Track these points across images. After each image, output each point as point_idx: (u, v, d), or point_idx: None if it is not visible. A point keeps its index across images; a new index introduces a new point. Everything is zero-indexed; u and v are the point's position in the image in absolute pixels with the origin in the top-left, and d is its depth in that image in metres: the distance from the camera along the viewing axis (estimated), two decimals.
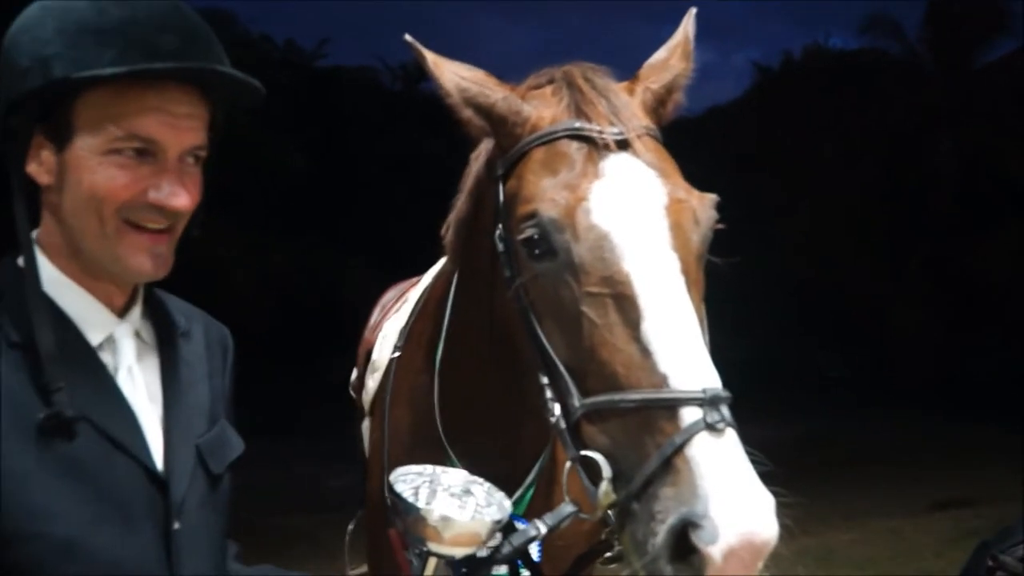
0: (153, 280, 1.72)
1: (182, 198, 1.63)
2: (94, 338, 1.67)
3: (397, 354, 2.81)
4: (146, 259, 1.65)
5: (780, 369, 20.07)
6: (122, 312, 1.72)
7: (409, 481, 1.82)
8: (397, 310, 3.21)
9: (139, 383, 1.71)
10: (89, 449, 1.57)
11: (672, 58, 2.16)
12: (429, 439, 2.46)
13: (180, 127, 1.62)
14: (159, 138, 1.60)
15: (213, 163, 1.77)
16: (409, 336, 2.79)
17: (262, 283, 20.36)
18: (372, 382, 3.01)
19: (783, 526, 1.60)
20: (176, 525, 1.66)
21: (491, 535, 1.76)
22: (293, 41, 31.62)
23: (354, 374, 3.52)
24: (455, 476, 1.88)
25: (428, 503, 1.77)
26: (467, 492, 1.85)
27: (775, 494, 1.60)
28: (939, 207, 23.55)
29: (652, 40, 2.25)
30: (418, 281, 3.23)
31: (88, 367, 1.64)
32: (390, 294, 3.74)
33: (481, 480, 1.88)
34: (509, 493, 2.36)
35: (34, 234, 1.68)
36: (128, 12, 1.60)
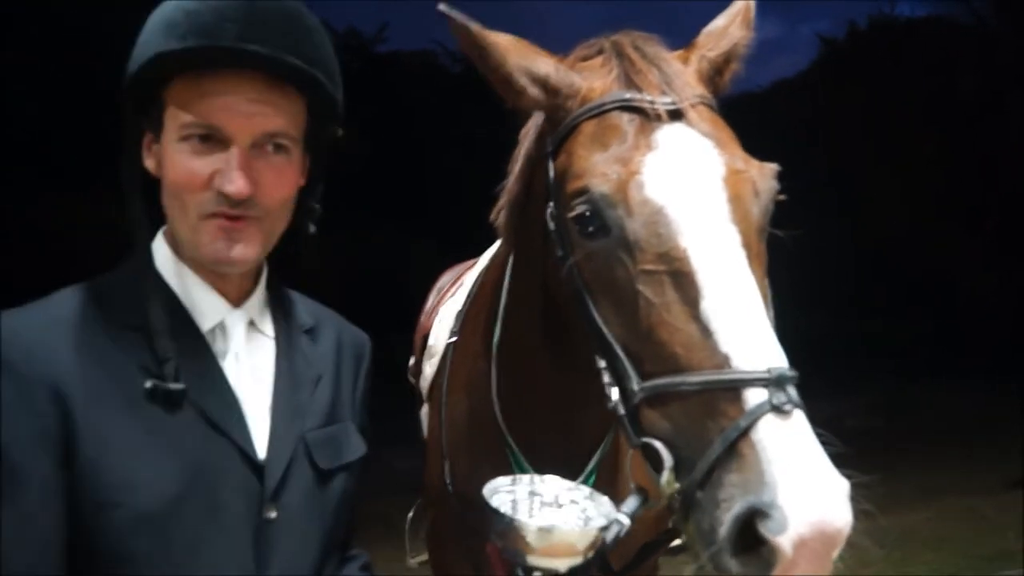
0: (238, 268, 1.74)
1: (237, 184, 1.62)
2: (205, 324, 1.73)
3: (454, 339, 2.77)
4: (223, 245, 1.67)
5: (847, 342, 19.73)
6: (238, 301, 1.78)
7: (505, 492, 1.74)
8: (453, 294, 3.17)
9: (245, 369, 1.75)
10: (188, 428, 1.61)
11: (731, 25, 2.06)
12: (487, 426, 2.41)
13: (246, 112, 1.64)
14: (220, 123, 1.63)
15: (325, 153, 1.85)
16: (465, 320, 2.74)
17: (324, 265, 20.59)
18: (429, 368, 2.97)
19: (861, 511, 1.52)
20: (272, 514, 1.66)
21: (596, 543, 1.66)
22: (353, 27, 31.73)
23: (411, 360, 3.49)
24: (555, 485, 1.80)
25: (529, 515, 1.69)
26: (570, 500, 1.77)
27: (849, 477, 1.51)
28: (1011, 172, 22.95)
29: (718, 12, 2.15)
30: (474, 264, 3.19)
31: (194, 349, 1.69)
32: (446, 278, 3.69)
33: (583, 487, 1.80)
34: (570, 479, 2.31)
35: (162, 228, 1.79)
36: (202, 6, 1.64)
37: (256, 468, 1.67)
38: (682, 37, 2.07)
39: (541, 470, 2.07)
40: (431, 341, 3.05)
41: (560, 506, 1.75)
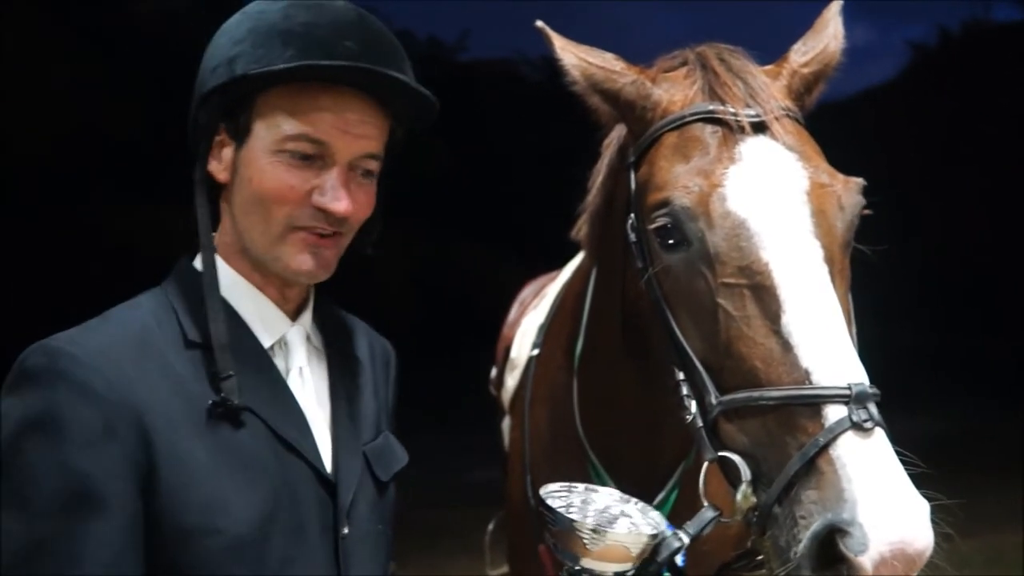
0: (313, 281, 1.73)
1: (344, 203, 1.63)
2: (267, 339, 1.70)
3: (536, 351, 2.78)
4: (307, 258, 1.66)
5: (939, 358, 19.27)
6: (294, 315, 1.75)
7: (560, 497, 1.76)
8: (536, 306, 3.18)
9: (309, 385, 1.74)
10: (262, 448, 1.60)
11: (828, 45, 2.04)
12: (569, 439, 2.41)
13: (351, 132, 1.63)
14: (329, 140, 1.61)
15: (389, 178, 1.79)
16: (548, 333, 2.75)
17: (406, 276, 20.78)
18: (511, 380, 2.99)
19: (941, 533, 1.50)
20: (345, 530, 1.67)
21: (645, 552, 1.68)
22: (434, 36, 32.10)
23: (493, 371, 3.52)
24: (607, 495, 1.82)
25: (581, 516, 1.71)
26: (621, 511, 1.79)
27: (930, 498, 1.50)
28: None
29: (807, 21, 2.14)
30: (557, 276, 3.20)
31: (260, 367, 1.66)
32: (528, 290, 3.71)
33: (634, 499, 1.82)
34: (652, 494, 2.31)
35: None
36: (314, 17, 1.64)
37: (327, 484, 1.67)
38: (772, 42, 2.07)
39: (622, 484, 2.08)
40: (513, 353, 3.06)
41: (612, 516, 1.76)
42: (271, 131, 1.61)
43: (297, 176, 1.61)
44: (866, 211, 1.81)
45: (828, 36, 2.06)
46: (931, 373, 16.66)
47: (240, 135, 1.64)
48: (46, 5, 15.62)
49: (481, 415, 3.93)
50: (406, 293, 20.69)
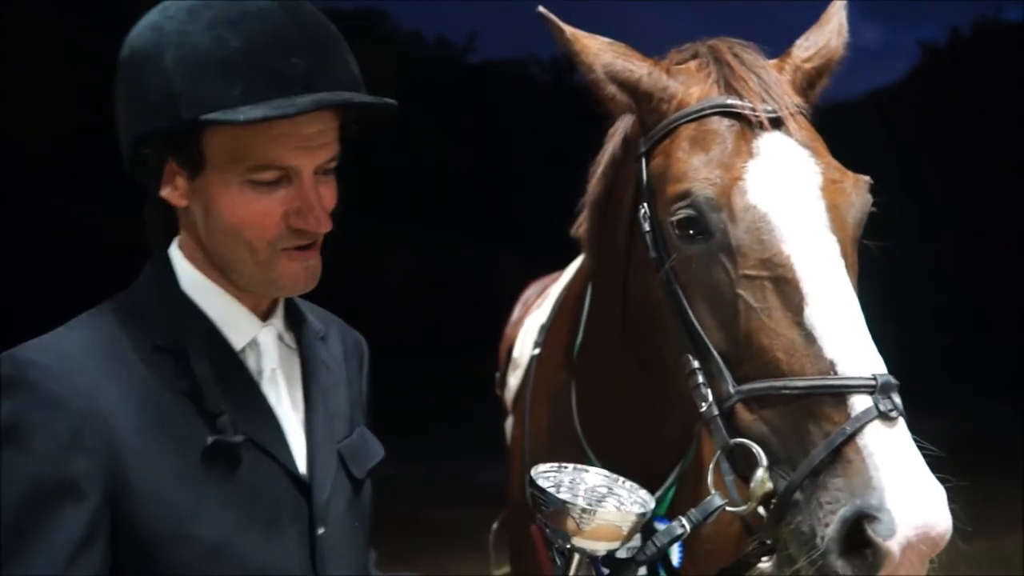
0: (307, 291, 1.71)
1: (324, 222, 1.61)
2: (238, 341, 1.67)
3: (537, 351, 2.78)
4: (299, 276, 1.65)
5: (947, 358, 19.24)
6: (266, 315, 1.73)
7: (551, 477, 1.79)
8: (538, 306, 3.17)
9: (282, 387, 1.72)
10: (234, 452, 1.58)
11: (831, 40, 2.05)
12: (568, 439, 2.41)
13: (312, 147, 1.59)
14: (294, 163, 1.58)
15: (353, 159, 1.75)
16: (549, 332, 2.76)
17: (413, 276, 20.82)
18: (513, 380, 2.99)
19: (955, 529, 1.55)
20: (320, 530, 1.67)
21: (634, 530, 1.70)
22: (443, 37, 32.14)
23: (498, 372, 3.50)
24: (596, 475, 1.84)
25: (571, 496, 1.73)
26: (609, 489, 1.81)
27: (943, 483, 1.55)
28: None
29: (810, 19, 2.15)
30: (559, 276, 3.19)
31: (231, 372, 1.64)
32: (531, 290, 3.70)
33: (623, 479, 1.83)
34: (650, 491, 2.30)
35: (175, 242, 1.70)
36: (246, 36, 1.54)
37: (301, 486, 1.67)
38: (771, 41, 2.07)
39: None
40: (515, 353, 3.06)
41: (602, 495, 1.78)
42: (233, 165, 1.56)
43: (269, 200, 1.58)
44: (873, 209, 1.85)
45: (831, 31, 2.07)
46: (940, 373, 16.62)
47: (192, 167, 1.58)
48: (47, 5, 15.62)
49: (487, 416, 3.92)
50: (412, 293, 20.72)
